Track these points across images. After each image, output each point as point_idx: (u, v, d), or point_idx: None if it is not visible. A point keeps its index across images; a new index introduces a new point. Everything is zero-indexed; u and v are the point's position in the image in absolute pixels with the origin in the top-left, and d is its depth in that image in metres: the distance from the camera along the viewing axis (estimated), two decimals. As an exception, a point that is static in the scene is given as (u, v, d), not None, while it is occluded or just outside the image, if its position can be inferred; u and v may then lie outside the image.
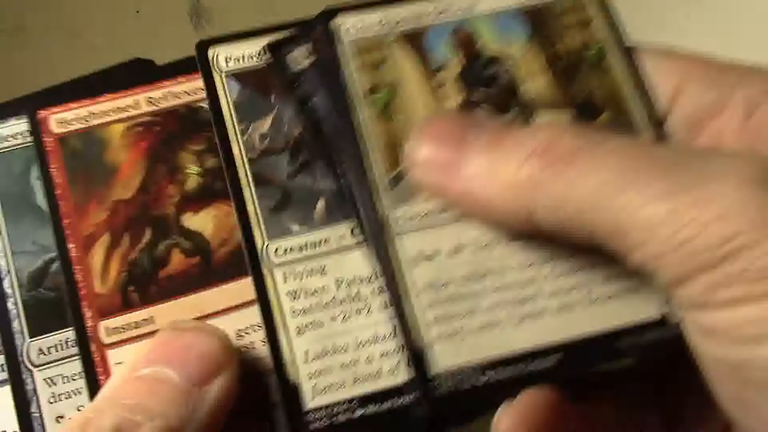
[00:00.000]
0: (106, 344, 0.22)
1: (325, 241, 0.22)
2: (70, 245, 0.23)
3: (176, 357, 0.21)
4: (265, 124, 0.23)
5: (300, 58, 0.23)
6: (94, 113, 0.24)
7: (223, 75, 0.24)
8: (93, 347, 0.22)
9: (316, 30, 0.23)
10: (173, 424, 0.19)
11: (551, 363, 0.21)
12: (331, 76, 0.23)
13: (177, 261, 0.23)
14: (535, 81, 0.23)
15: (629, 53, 0.24)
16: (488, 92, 0.23)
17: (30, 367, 0.22)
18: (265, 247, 0.22)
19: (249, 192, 0.22)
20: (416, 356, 0.21)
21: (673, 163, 0.19)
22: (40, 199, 0.24)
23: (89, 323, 0.22)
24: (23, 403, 0.22)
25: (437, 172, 0.21)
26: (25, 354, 0.23)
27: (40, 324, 0.23)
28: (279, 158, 0.23)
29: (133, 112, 0.24)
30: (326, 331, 0.21)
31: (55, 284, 0.23)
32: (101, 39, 0.58)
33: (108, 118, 0.24)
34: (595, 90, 0.23)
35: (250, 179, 0.22)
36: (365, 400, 0.21)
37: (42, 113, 0.24)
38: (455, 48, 0.24)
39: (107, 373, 0.22)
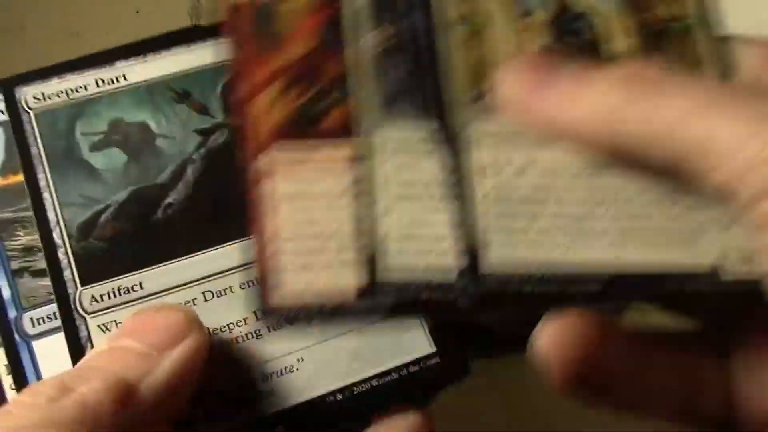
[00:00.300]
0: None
1: None
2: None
3: (138, 329, 0.22)
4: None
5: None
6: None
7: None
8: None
9: None
10: (127, 379, 0.20)
11: (594, 288, 0.21)
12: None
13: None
14: (618, 42, 0.24)
15: (714, 33, 0.24)
16: (571, 43, 0.24)
17: (83, 314, 0.23)
18: None
19: None
20: (471, 254, 0.21)
21: (758, 97, 0.19)
22: (86, 154, 0.24)
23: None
24: (77, 349, 0.22)
25: (524, 90, 0.22)
26: (77, 302, 0.23)
27: (91, 273, 0.23)
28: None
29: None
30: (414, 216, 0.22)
31: (104, 235, 0.23)
32: (101, 39, 0.57)
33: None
34: (675, 62, 0.24)
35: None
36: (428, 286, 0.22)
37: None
38: None
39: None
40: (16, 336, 0.23)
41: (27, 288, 0.23)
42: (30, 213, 0.23)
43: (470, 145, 0.22)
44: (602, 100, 0.20)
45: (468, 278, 0.21)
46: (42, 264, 0.23)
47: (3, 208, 0.23)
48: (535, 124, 0.22)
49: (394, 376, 0.24)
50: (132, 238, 0.24)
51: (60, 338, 0.23)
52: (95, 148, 0.24)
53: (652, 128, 0.20)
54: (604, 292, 0.21)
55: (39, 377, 0.23)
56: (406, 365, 0.24)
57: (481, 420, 0.45)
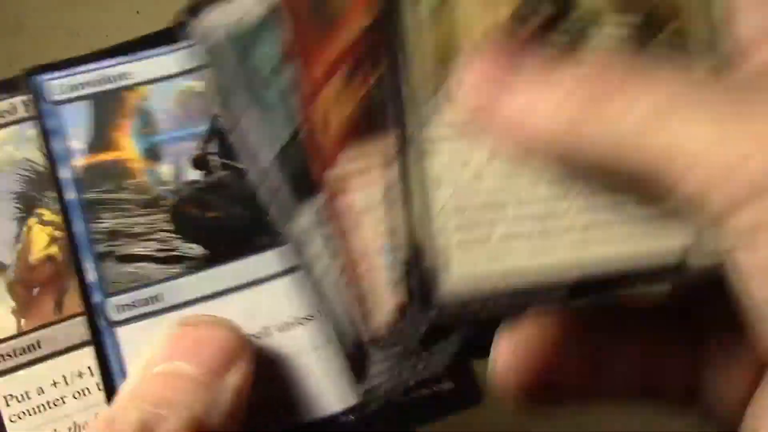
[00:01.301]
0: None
1: None
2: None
3: (191, 350, 0.21)
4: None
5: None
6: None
7: None
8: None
9: None
10: (198, 415, 0.19)
11: (559, 295, 0.20)
12: None
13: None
14: (606, 21, 0.22)
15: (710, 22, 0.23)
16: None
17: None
18: None
19: None
20: (428, 272, 0.20)
21: (729, 92, 0.18)
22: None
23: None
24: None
25: (483, 96, 0.20)
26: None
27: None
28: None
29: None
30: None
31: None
32: (101, 39, 0.57)
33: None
34: (661, 2, 0.22)
35: None
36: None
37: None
38: None
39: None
40: (102, 321, 0.22)
41: (112, 273, 0.22)
42: (114, 195, 0.23)
43: (425, 152, 0.21)
44: (564, 101, 0.19)
45: (425, 298, 0.20)
46: (127, 249, 0.22)
47: (88, 188, 0.23)
48: (496, 132, 0.21)
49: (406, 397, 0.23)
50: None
51: (144, 325, 0.22)
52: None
53: (614, 135, 0.18)
54: (570, 296, 0.20)
55: (122, 365, 0.22)
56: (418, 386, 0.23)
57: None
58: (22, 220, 0.23)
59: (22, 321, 0.22)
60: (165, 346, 0.21)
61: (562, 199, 0.21)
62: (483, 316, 0.20)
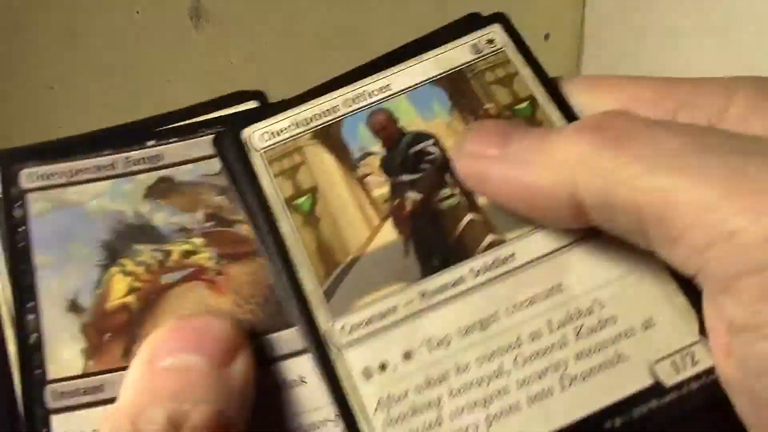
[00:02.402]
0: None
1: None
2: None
3: (193, 343, 0.20)
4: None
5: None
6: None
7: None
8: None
9: (225, 142, 0.23)
10: (219, 407, 0.19)
11: None
12: (248, 188, 0.22)
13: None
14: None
15: (562, 100, 0.23)
16: (418, 175, 0.22)
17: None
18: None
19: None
20: None
21: (730, 148, 0.17)
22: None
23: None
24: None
25: (481, 161, 0.20)
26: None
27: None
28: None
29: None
30: None
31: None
32: (101, 39, 0.56)
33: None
34: None
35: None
36: None
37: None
38: (375, 133, 0.23)
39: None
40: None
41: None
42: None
43: (339, 351, 0.20)
44: (562, 154, 0.19)
45: None
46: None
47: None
48: (496, 195, 0.20)
49: None
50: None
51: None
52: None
53: (613, 187, 0.17)
54: None
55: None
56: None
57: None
58: (104, 268, 0.23)
59: (90, 362, 0.22)
60: (167, 340, 0.21)
61: (506, 351, 0.20)
62: None
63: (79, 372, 0.22)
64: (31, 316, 0.22)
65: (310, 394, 0.21)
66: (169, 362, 0.20)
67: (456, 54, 0.23)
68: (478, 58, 0.23)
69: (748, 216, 0.15)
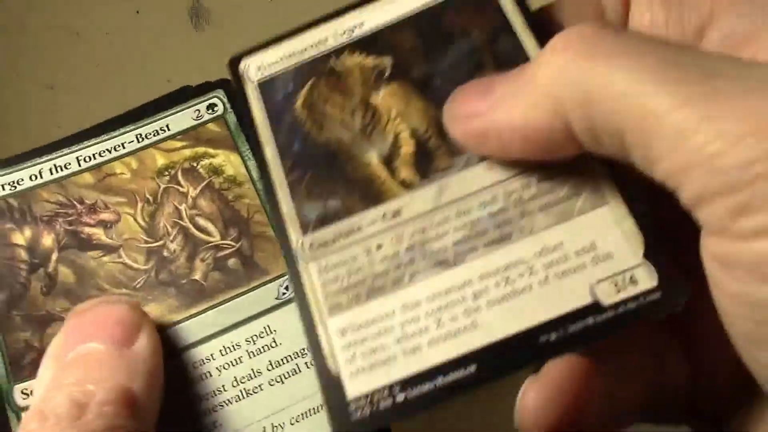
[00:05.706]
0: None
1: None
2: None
3: (93, 331, 0.21)
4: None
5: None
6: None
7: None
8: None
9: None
10: (123, 382, 0.20)
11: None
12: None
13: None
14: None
15: (540, 27, 0.23)
16: None
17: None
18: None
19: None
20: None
21: (710, 68, 0.17)
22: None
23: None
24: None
25: (473, 120, 0.21)
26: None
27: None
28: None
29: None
30: None
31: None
32: (101, 39, 0.56)
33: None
34: None
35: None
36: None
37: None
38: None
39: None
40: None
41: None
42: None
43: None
44: (547, 70, 0.19)
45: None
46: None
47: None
48: (498, 148, 0.20)
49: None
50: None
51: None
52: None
53: (599, 108, 0.18)
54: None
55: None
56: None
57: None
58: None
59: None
60: (69, 336, 0.21)
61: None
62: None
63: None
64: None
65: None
66: (73, 354, 0.20)
67: None
68: None
69: (728, 139, 0.15)
